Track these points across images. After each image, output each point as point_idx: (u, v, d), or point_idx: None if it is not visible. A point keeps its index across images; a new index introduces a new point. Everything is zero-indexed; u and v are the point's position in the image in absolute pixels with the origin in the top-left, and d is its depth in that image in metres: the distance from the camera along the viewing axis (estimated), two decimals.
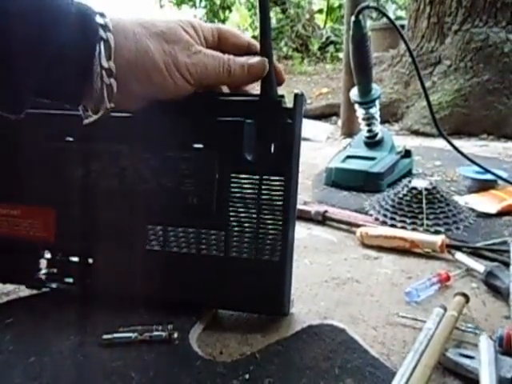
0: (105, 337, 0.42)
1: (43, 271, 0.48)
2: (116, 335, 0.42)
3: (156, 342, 0.41)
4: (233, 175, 0.45)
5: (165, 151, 0.46)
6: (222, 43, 0.45)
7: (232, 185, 0.45)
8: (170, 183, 0.46)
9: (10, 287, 0.53)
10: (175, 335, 0.42)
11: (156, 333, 0.42)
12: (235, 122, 0.45)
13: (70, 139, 0.48)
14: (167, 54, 0.40)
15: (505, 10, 1.97)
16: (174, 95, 0.43)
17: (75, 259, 0.48)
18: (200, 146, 0.46)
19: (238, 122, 0.44)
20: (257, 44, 0.45)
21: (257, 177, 0.44)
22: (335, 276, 0.57)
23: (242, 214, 0.45)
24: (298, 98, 0.44)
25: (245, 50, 0.45)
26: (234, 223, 0.45)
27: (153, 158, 0.46)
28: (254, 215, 0.44)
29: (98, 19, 0.38)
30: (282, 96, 0.45)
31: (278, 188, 0.44)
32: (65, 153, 0.48)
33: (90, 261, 0.48)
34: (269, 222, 0.44)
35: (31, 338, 0.43)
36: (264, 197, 0.44)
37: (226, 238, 0.45)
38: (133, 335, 0.42)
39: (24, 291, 0.53)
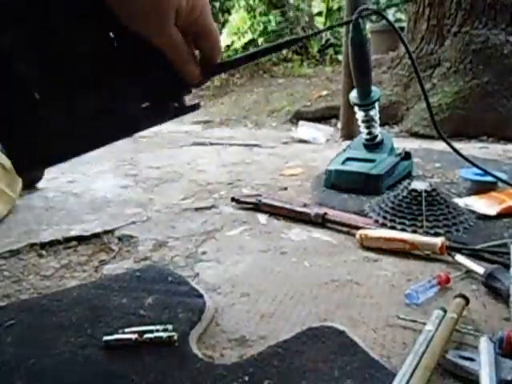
0: (105, 339, 0.42)
1: None
2: (116, 337, 0.42)
3: (156, 344, 0.42)
4: None
5: None
6: (194, 37, 0.41)
7: None
8: None
9: (10, 289, 0.53)
10: (175, 337, 0.42)
11: (156, 335, 0.42)
12: None
13: None
14: None
15: (504, 12, 1.98)
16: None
17: None
18: None
19: None
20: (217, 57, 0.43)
21: None
22: (335, 278, 0.58)
23: None
24: None
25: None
26: None
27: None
28: None
29: None
30: None
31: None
32: None
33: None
34: None
35: (32, 340, 0.43)
36: None
37: None
38: (133, 337, 0.42)
39: (24, 294, 0.53)
